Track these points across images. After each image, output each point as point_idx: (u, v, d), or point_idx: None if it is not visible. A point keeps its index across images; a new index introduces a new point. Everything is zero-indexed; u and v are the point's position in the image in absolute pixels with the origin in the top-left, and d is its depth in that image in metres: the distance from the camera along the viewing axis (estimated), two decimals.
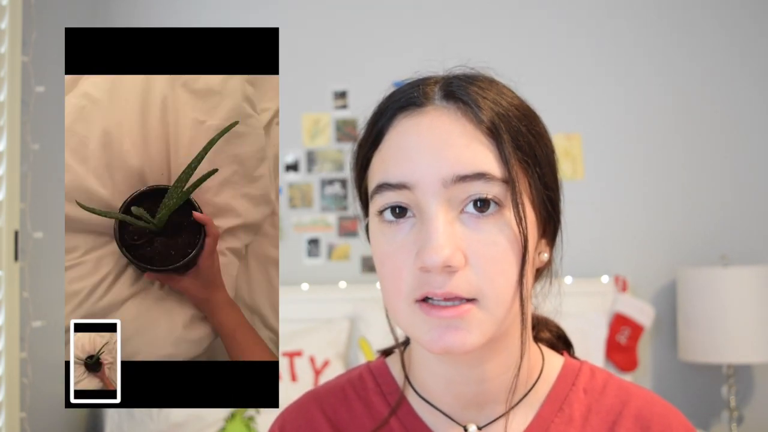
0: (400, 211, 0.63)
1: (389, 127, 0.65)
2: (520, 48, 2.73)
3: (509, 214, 0.62)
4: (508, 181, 0.61)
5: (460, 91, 0.64)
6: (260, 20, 2.84)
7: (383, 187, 0.63)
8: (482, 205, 0.61)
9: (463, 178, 0.60)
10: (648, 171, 2.67)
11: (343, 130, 2.78)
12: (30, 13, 2.21)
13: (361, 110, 0.70)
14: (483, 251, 0.61)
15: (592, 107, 2.71)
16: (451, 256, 0.59)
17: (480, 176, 0.61)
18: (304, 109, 2.81)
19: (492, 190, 0.61)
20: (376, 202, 0.64)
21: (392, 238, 0.63)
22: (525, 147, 0.64)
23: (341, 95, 2.80)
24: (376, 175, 0.65)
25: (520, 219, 0.61)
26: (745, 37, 2.67)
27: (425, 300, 0.62)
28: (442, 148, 0.61)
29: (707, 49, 2.68)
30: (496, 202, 0.61)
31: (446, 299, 0.61)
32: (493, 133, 0.62)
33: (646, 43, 2.71)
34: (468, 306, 0.61)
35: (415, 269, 0.61)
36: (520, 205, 0.61)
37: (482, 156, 0.61)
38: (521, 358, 0.67)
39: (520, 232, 0.62)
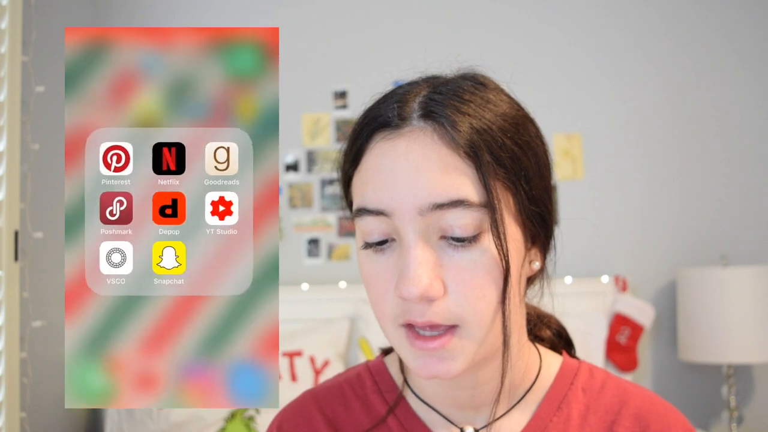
0: (381, 243, 0.63)
1: (367, 148, 0.64)
2: (520, 48, 2.73)
3: (489, 238, 0.60)
4: (488, 206, 0.60)
5: (438, 109, 0.61)
6: (260, 20, 2.84)
7: (362, 211, 0.63)
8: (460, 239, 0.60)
9: (440, 206, 0.59)
10: (648, 171, 2.67)
11: (343, 130, 2.78)
12: (30, 13, 2.21)
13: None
14: (462, 278, 0.60)
15: (592, 107, 2.71)
16: (428, 288, 0.59)
17: (457, 204, 0.59)
18: (304, 109, 2.81)
19: (470, 216, 0.59)
20: (358, 227, 0.64)
21: (376, 261, 0.63)
22: (509, 163, 0.62)
23: (341, 95, 2.80)
24: (356, 196, 0.64)
25: (501, 244, 0.60)
26: (744, 37, 2.66)
27: (409, 325, 0.62)
28: (418, 174, 0.60)
29: (707, 49, 2.68)
30: (474, 236, 0.60)
31: (428, 327, 0.61)
32: (471, 156, 0.60)
33: (645, 44, 2.70)
34: (449, 336, 0.61)
35: (395, 296, 0.61)
36: (501, 230, 0.60)
37: (459, 182, 0.59)
38: (503, 376, 0.66)
39: (501, 258, 0.60)
